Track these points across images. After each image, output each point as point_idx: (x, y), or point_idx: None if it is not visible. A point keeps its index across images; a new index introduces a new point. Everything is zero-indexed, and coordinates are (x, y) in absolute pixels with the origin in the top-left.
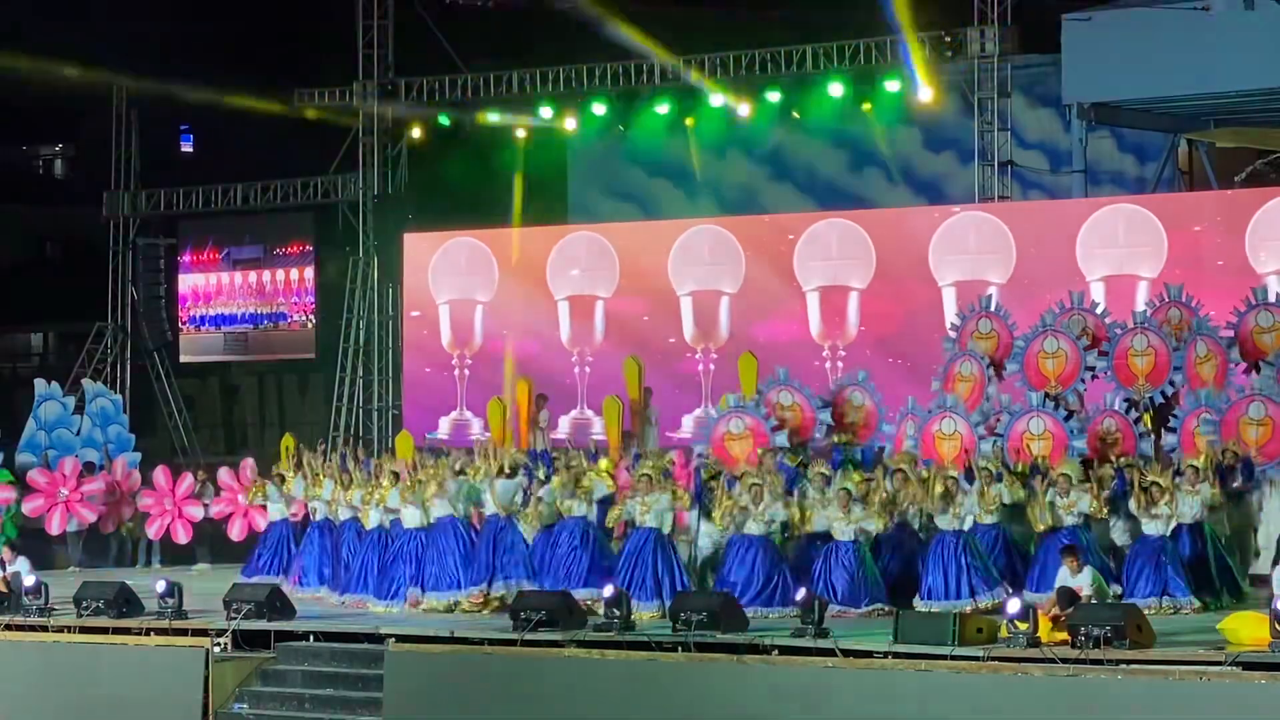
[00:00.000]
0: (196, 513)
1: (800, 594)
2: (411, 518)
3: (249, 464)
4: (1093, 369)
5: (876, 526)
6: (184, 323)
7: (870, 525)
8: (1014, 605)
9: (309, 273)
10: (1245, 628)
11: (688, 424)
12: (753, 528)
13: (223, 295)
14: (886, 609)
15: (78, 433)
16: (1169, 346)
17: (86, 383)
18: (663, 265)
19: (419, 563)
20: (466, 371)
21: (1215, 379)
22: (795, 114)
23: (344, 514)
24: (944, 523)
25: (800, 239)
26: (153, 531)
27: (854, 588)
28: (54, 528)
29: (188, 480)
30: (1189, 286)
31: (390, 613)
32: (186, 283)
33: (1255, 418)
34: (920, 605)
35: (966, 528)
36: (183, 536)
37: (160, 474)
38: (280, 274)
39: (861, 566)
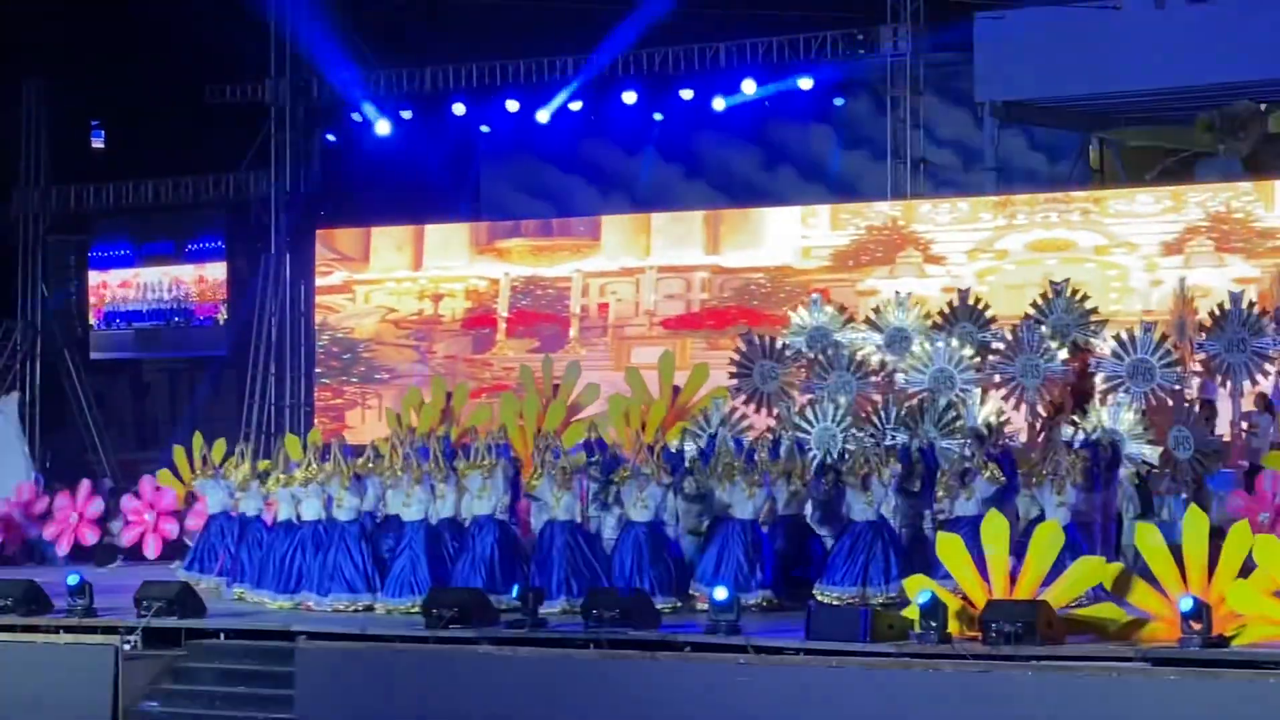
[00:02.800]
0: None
1: (718, 591)
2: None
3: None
4: None
5: None
6: (95, 320)
7: None
8: (923, 595)
9: (221, 269)
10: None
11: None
12: None
13: (134, 292)
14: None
15: None
16: None
17: None
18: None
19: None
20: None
21: None
22: (718, 106)
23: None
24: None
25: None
26: (62, 549)
27: None
28: None
29: (96, 500)
30: None
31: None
32: (97, 279)
33: None
34: None
35: None
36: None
37: (65, 496)
38: (192, 270)
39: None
